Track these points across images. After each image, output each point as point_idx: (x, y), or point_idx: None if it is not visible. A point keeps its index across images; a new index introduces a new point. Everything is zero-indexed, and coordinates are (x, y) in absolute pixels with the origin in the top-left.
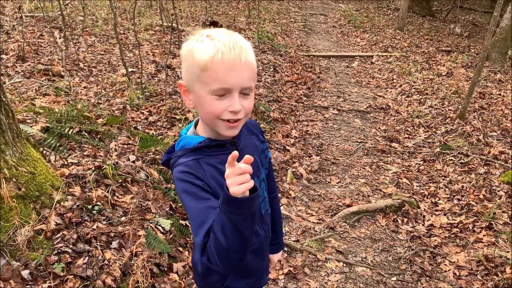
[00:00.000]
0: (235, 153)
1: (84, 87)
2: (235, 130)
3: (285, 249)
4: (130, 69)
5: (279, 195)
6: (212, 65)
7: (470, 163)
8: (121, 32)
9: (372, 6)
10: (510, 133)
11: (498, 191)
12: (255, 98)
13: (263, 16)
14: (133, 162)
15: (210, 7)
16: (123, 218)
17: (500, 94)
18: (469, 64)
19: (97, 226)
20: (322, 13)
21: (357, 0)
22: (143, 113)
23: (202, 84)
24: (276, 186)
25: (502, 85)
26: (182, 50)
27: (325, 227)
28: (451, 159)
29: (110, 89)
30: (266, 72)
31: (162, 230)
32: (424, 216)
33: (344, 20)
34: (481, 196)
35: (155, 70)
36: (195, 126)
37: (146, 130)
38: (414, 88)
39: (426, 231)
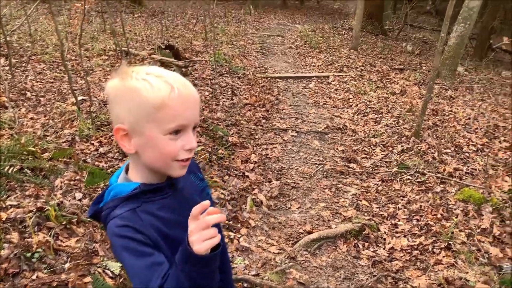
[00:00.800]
0: (205, 203)
1: (31, 118)
2: (186, 169)
3: (245, 285)
4: (80, 97)
5: (238, 225)
6: (170, 102)
7: (427, 181)
8: (73, 58)
9: (327, 26)
10: (463, 149)
11: (455, 209)
12: (213, 123)
13: (221, 38)
14: (80, 200)
15: (166, 30)
16: (67, 265)
17: (451, 111)
18: (421, 81)
19: (37, 276)
20: (279, 34)
21: (313, 21)
22: (93, 144)
23: (156, 124)
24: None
25: (453, 101)
26: (116, 90)
27: (286, 257)
28: (408, 178)
29: (59, 120)
30: (224, 95)
31: (111, 275)
32: (384, 239)
33: (301, 40)
34: (439, 216)
35: (107, 97)
36: (126, 171)
37: (96, 163)
38: (369, 107)
39: (387, 255)
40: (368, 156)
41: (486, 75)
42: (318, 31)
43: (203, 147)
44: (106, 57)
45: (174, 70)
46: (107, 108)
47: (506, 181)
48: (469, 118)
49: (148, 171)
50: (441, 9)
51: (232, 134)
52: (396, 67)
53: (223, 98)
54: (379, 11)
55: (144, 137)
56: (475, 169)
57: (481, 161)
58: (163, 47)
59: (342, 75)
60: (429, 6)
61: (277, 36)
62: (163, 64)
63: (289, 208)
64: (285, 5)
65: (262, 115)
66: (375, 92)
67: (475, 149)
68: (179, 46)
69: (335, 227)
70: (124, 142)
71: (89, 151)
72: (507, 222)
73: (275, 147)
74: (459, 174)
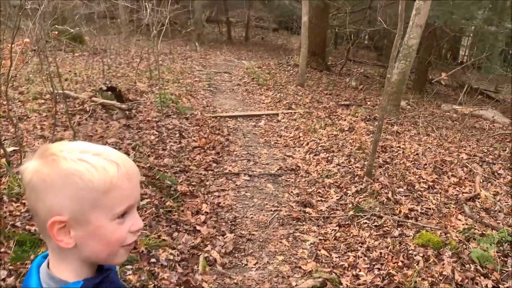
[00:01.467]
0: None
1: None
2: (128, 253)
3: None
4: (11, 148)
5: None
6: (118, 182)
7: (384, 225)
8: (3, 103)
9: (273, 62)
10: (415, 187)
11: (415, 255)
12: (160, 170)
13: (166, 77)
14: (3, 280)
15: (108, 69)
16: None
17: (399, 147)
18: (368, 117)
19: None
20: (226, 71)
21: (258, 56)
22: (24, 204)
23: (103, 210)
24: None
25: (400, 137)
26: (44, 176)
27: None
28: (366, 222)
29: None
30: (171, 139)
31: None
32: None
33: (248, 77)
34: (400, 263)
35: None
36: (48, 265)
37: (27, 227)
38: (320, 146)
39: None
40: (323, 199)
41: (427, 108)
42: (265, 67)
43: (148, 200)
44: (43, 101)
45: (117, 113)
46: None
47: (459, 220)
48: (417, 154)
49: (83, 264)
50: (379, 45)
51: (181, 182)
52: (342, 103)
53: (170, 141)
54: (322, 47)
55: (90, 226)
56: (429, 208)
57: (434, 199)
58: (105, 88)
59: (291, 112)
60: (367, 41)
61: (224, 73)
62: (105, 108)
63: (246, 264)
64: (231, 41)
65: (212, 158)
66: (324, 129)
67: (426, 187)
68: (122, 87)
69: (295, 285)
70: (61, 236)
71: (19, 213)
72: (467, 266)
73: (227, 194)
74: (415, 214)
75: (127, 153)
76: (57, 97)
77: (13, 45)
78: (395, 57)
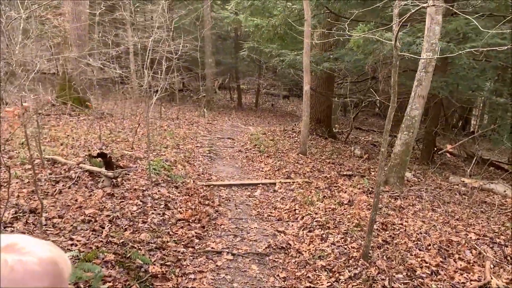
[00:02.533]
0: None
1: None
2: None
3: None
4: None
5: None
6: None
7: None
8: None
9: (279, 128)
10: (416, 273)
11: None
12: (134, 247)
13: (167, 143)
14: None
15: (110, 134)
16: None
17: (402, 224)
18: (370, 189)
19: None
20: (230, 136)
21: (267, 123)
22: None
23: None
24: None
25: (403, 212)
26: None
27: None
28: None
29: None
30: (155, 210)
31: None
32: None
33: (250, 144)
34: None
35: (11, 218)
36: None
37: None
38: (316, 221)
39: None
40: (312, 285)
41: (434, 180)
42: (270, 134)
43: (111, 284)
44: (30, 167)
45: (103, 181)
46: (7, 231)
47: None
48: (421, 233)
49: None
50: (387, 113)
51: (154, 261)
52: (345, 173)
53: (153, 213)
54: (327, 115)
55: None
56: None
57: None
58: (95, 154)
59: (289, 182)
60: (377, 108)
61: (228, 139)
62: (92, 175)
63: None
64: (241, 107)
65: (196, 233)
66: (322, 202)
67: (429, 272)
68: (118, 152)
69: None
70: None
71: None
72: None
73: (204, 277)
74: None
75: (103, 226)
76: (45, 162)
77: (12, 109)
78: (388, 131)
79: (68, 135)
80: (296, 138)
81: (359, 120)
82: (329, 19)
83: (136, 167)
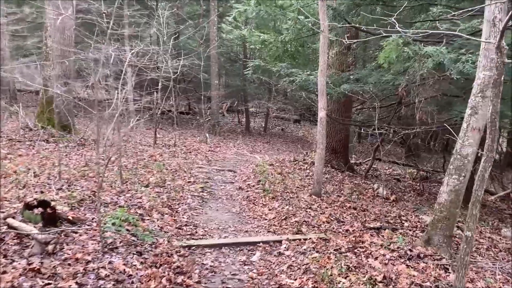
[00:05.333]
0: None
1: None
2: None
3: None
4: None
5: None
6: None
7: None
8: None
9: (289, 158)
10: None
11: None
12: None
13: (150, 178)
14: None
15: (83, 166)
16: None
17: None
18: (408, 252)
19: None
20: (232, 168)
21: (276, 149)
22: None
23: None
24: None
25: None
26: None
27: None
28: None
29: None
30: None
31: None
32: None
33: (254, 178)
34: None
35: None
36: None
37: None
38: None
39: None
40: None
41: (481, 232)
42: (277, 165)
43: None
44: None
45: (32, 247)
46: None
47: None
48: None
49: None
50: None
51: None
52: (371, 225)
53: None
54: (344, 145)
55: None
56: None
57: None
58: (35, 203)
59: (299, 239)
60: (396, 137)
61: (229, 171)
62: (18, 236)
63: None
64: (249, 131)
65: None
66: (346, 278)
67: None
68: (78, 195)
69: None
70: None
71: None
72: None
73: None
74: None
75: None
76: None
77: None
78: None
79: (29, 169)
80: (308, 171)
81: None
82: (347, 34)
83: (91, 222)
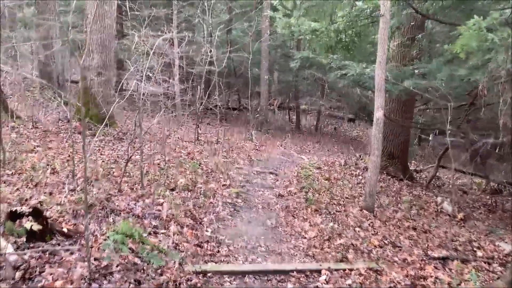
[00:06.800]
0: None
1: None
2: None
3: None
4: None
5: None
6: None
7: None
8: None
9: (339, 160)
10: None
11: None
12: None
13: (180, 180)
14: None
15: (111, 163)
16: None
17: None
18: None
19: None
20: (274, 170)
21: (326, 150)
22: None
23: None
24: None
25: None
26: None
27: None
28: None
29: None
30: None
31: None
32: None
33: (298, 184)
34: None
35: None
36: None
37: None
38: None
39: None
40: None
41: None
42: (326, 169)
43: None
44: None
45: (5, 269)
46: None
47: None
48: None
49: None
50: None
51: None
52: (435, 253)
53: None
54: (403, 150)
55: None
56: None
57: None
58: (26, 212)
59: (344, 270)
60: (468, 145)
61: (270, 174)
62: None
63: None
64: (299, 129)
65: None
66: None
67: None
68: (93, 198)
69: None
70: None
71: None
72: None
73: None
74: None
75: None
76: None
77: None
78: None
79: (48, 165)
80: (360, 178)
81: (433, 152)
82: (413, 23)
83: (90, 233)
